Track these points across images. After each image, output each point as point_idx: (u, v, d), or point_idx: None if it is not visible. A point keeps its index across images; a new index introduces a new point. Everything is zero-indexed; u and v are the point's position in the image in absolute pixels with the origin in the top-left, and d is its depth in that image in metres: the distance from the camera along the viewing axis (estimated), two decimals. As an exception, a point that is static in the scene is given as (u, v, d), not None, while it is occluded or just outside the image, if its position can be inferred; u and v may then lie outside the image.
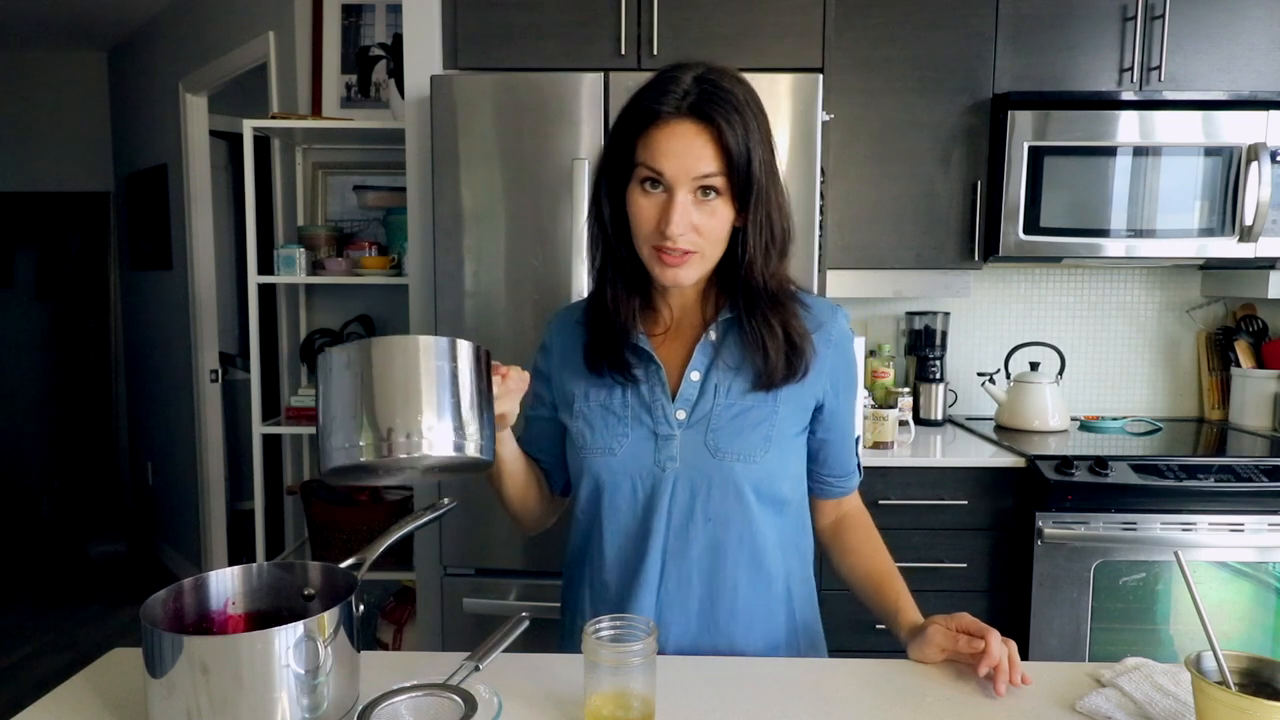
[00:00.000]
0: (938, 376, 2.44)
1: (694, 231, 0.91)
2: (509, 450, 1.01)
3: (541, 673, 0.90)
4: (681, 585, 0.98)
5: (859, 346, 2.11)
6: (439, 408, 0.75)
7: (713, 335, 1.00)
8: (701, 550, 0.98)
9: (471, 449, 0.77)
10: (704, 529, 0.97)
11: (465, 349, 0.78)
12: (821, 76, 1.81)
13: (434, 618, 1.99)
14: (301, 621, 0.73)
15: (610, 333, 1.00)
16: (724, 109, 0.88)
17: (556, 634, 1.13)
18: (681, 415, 0.98)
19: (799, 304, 1.00)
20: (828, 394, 1.02)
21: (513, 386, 0.90)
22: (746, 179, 0.90)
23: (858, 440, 1.10)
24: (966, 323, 2.63)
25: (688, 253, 0.92)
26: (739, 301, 0.97)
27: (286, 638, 0.72)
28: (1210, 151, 2.13)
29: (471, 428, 0.77)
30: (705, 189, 0.90)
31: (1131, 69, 2.17)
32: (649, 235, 0.92)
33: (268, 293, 2.47)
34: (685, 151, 0.88)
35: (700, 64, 0.92)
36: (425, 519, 1.01)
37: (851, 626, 2.08)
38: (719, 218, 0.91)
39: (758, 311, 0.96)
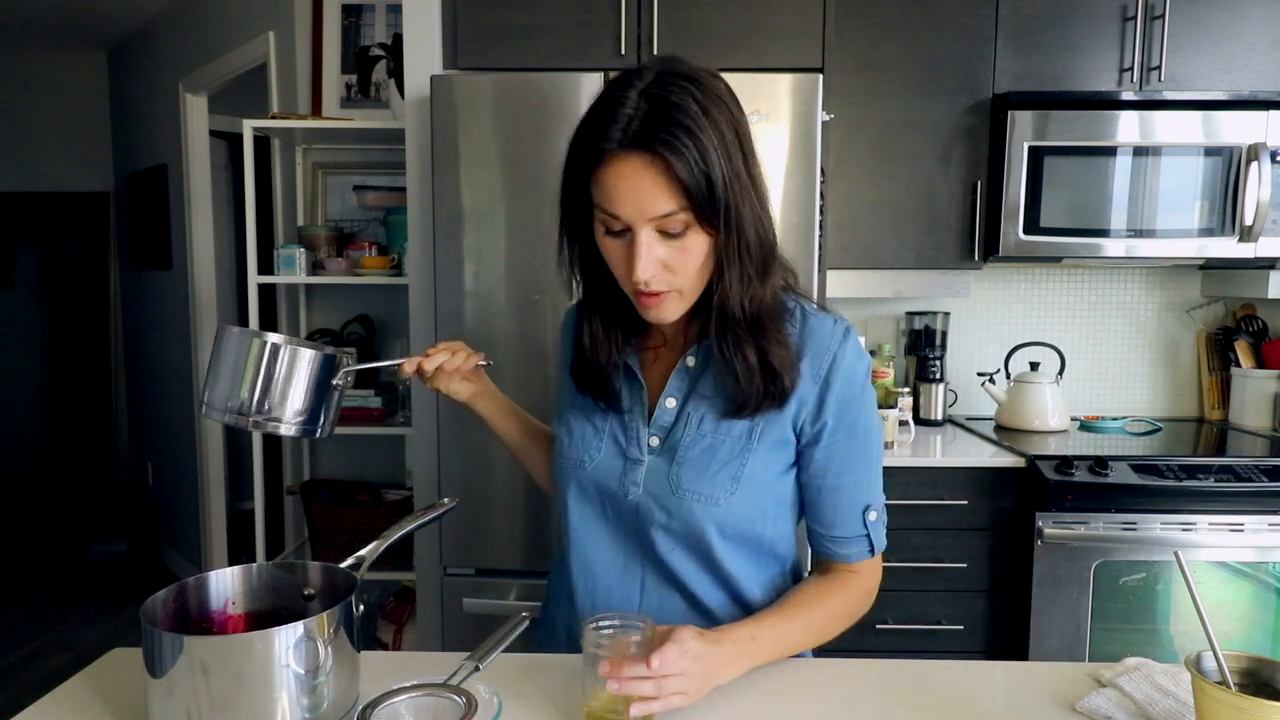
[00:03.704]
0: (938, 376, 2.44)
1: (666, 270, 0.83)
2: (496, 421, 1.11)
3: (541, 673, 0.90)
4: (663, 618, 0.93)
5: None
6: (296, 401, 0.94)
7: (690, 361, 0.94)
8: (674, 581, 0.95)
9: (319, 432, 0.98)
10: (670, 559, 0.94)
11: (322, 359, 0.95)
12: (821, 76, 1.81)
13: (434, 618, 1.99)
14: (301, 621, 0.73)
15: (595, 365, 0.96)
16: (671, 133, 0.77)
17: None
18: (654, 441, 0.94)
19: (791, 323, 0.92)
20: (805, 432, 0.92)
21: (428, 367, 1.00)
22: (711, 204, 0.79)
23: (869, 510, 0.95)
24: (966, 323, 2.62)
25: (664, 292, 0.85)
26: (711, 328, 0.88)
27: (286, 638, 0.72)
28: (1210, 151, 2.13)
29: (317, 416, 0.97)
30: (669, 231, 0.81)
31: (1131, 69, 2.17)
32: (623, 280, 0.86)
33: (268, 293, 2.47)
34: (636, 192, 0.79)
35: (655, 63, 0.83)
36: (425, 519, 1.01)
37: (852, 627, 2.08)
38: (691, 251, 0.82)
39: (730, 337, 0.87)
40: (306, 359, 0.93)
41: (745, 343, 0.87)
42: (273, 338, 0.93)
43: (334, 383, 0.96)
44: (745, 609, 0.96)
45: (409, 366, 1.00)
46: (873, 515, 0.95)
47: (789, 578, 1.01)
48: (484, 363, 1.06)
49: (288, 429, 0.94)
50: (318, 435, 0.97)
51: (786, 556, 1.00)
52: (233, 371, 0.92)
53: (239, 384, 0.92)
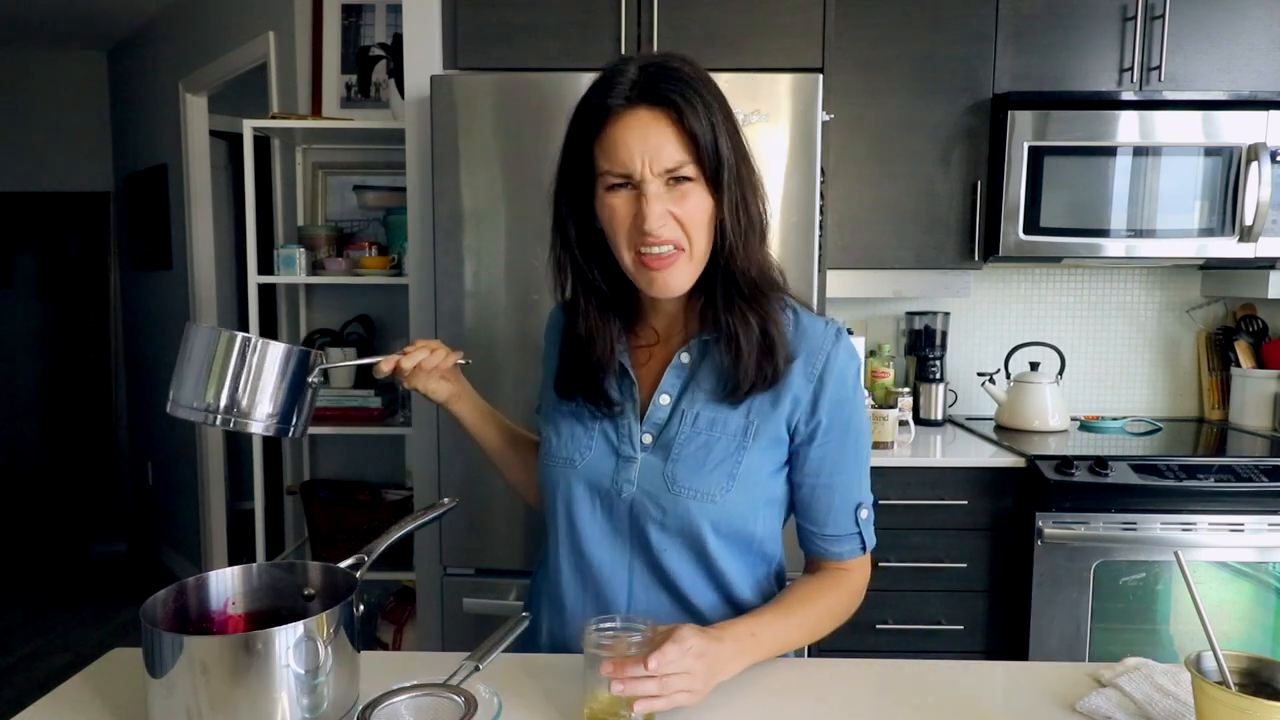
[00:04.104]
0: (938, 376, 2.44)
1: (674, 221, 0.84)
2: (473, 423, 1.09)
3: (541, 673, 0.90)
4: (650, 615, 0.92)
5: (857, 348, 2.11)
6: (266, 398, 0.91)
7: (685, 358, 0.94)
8: (665, 580, 0.95)
9: (292, 432, 0.95)
10: (664, 558, 0.94)
11: (295, 356, 0.92)
12: (821, 76, 1.81)
13: (434, 618, 1.99)
14: (301, 621, 0.73)
15: (586, 364, 0.95)
16: (677, 87, 0.82)
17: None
18: (648, 439, 0.94)
19: (788, 309, 0.94)
20: (799, 431, 0.93)
21: (406, 365, 0.98)
22: (716, 159, 0.83)
23: (861, 508, 0.97)
24: (966, 323, 2.62)
25: (675, 250, 0.86)
26: (716, 295, 0.89)
27: (286, 638, 0.72)
28: (1210, 151, 2.13)
29: (289, 415, 0.94)
30: (677, 179, 0.84)
31: (1131, 69, 2.17)
32: (628, 239, 0.86)
33: (268, 293, 2.47)
34: (645, 141, 0.82)
35: (643, 55, 0.87)
36: (425, 519, 1.01)
37: (851, 627, 2.08)
38: (695, 201, 0.85)
39: (735, 305, 0.89)
40: (278, 354, 0.91)
41: (749, 311, 0.89)
42: (242, 333, 0.90)
43: (309, 380, 0.94)
44: (735, 609, 0.96)
45: (387, 365, 0.99)
46: (864, 513, 0.97)
47: (774, 580, 1.02)
48: (462, 361, 1.05)
49: (258, 427, 0.91)
50: (290, 434, 0.95)
51: (773, 557, 1.01)
52: (200, 366, 0.89)
53: (206, 379, 0.89)
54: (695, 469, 0.91)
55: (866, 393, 2.29)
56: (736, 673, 0.85)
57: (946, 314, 2.53)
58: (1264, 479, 1.92)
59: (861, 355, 2.20)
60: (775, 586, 1.02)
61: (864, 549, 0.98)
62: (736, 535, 0.94)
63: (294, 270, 2.35)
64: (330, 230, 2.49)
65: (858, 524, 0.97)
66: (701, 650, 0.80)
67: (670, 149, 0.82)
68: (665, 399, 0.94)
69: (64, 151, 4.15)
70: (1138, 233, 2.16)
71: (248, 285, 2.35)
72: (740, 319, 0.89)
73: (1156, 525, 1.93)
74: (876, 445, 2.10)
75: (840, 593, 0.97)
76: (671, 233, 0.85)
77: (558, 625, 1.00)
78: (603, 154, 0.85)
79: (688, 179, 0.84)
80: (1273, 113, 2.11)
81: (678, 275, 0.87)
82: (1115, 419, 2.46)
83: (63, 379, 4.40)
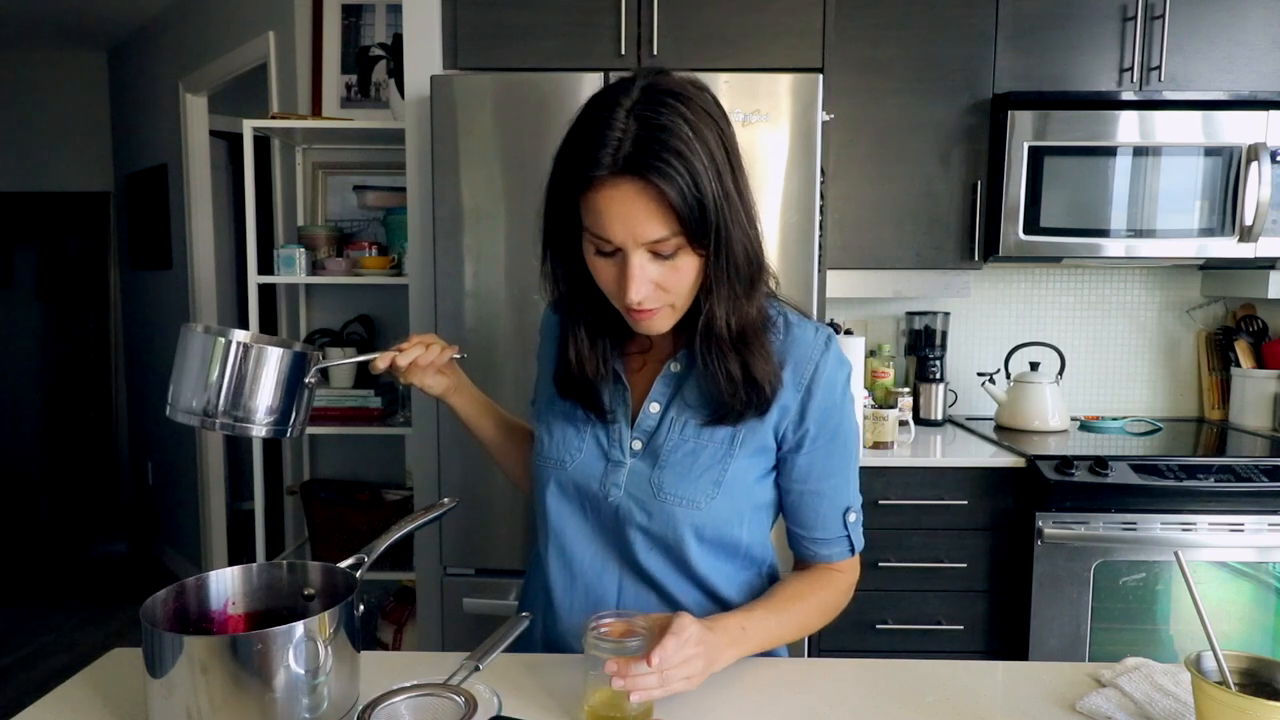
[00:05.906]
0: (938, 376, 2.44)
1: (658, 289, 0.84)
2: (470, 416, 1.09)
3: (541, 672, 0.90)
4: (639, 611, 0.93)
5: (857, 348, 2.11)
6: (265, 401, 0.91)
7: (674, 367, 0.95)
8: (650, 581, 0.95)
9: (290, 432, 0.96)
10: (646, 560, 0.94)
11: (291, 358, 0.93)
12: (821, 76, 1.81)
13: (434, 618, 1.99)
14: (301, 621, 0.73)
15: (581, 377, 0.96)
16: (663, 158, 0.76)
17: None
18: (637, 445, 0.94)
19: (774, 331, 0.92)
20: (787, 439, 0.94)
21: (401, 363, 0.98)
22: (702, 227, 0.79)
23: (849, 511, 0.98)
24: (966, 323, 2.63)
25: (657, 308, 0.86)
26: (695, 343, 0.89)
27: (286, 638, 0.72)
28: (1210, 151, 2.13)
29: (287, 416, 0.94)
30: (661, 254, 0.81)
31: (1131, 69, 2.17)
32: (613, 297, 0.86)
33: (268, 293, 2.47)
34: (629, 216, 0.79)
35: (641, 77, 0.81)
36: (425, 519, 1.01)
37: (852, 627, 2.08)
38: (683, 270, 0.83)
39: (714, 350, 0.88)
40: (275, 358, 0.91)
41: (729, 356, 0.88)
42: (239, 336, 0.90)
43: (305, 381, 0.94)
44: (722, 609, 0.96)
45: (382, 362, 0.99)
46: (852, 516, 0.98)
47: (765, 580, 1.02)
48: (458, 356, 1.05)
49: (257, 430, 0.91)
50: (288, 435, 0.95)
51: (763, 559, 1.01)
52: (198, 372, 0.89)
53: (205, 385, 0.89)
54: (682, 475, 0.92)
55: (867, 393, 2.29)
56: (729, 664, 0.85)
57: (946, 314, 2.53)
58: (1264, 479, 1.92)
59: (861, 355, 2.20)
60: (766, 587, 1.02)
61: (852, 551, 0.99)
62: (720, 540, 0.94)
63: (294, 270, 2.35)
64: (330, 230, 2.49)
65: (846, 527, 0.98)
66: (699, 638, 0.81)
67: (654, 224, 0.79)
68: (655, 406, 0.95)
69: (64, 151, 4.15)
70: (1138, 233, 2.16)
71: (248, 285, 2.35)
72: (718, 362, 0.88)
73: (1156, 525, 1.93)
74: (877, 445, 2.10)
75: (830, 590, 0.98)
76: (655, 301, 0.85)
77: (550, 620, 1.01)
78: (587, 214, 0.82)
79: (675, 246, 0.81)
80: (1273, 113, 2.11)
81: (662, 321, 0.88)
82: (1115, 419, 2.47)
83: (63, 379, 4.40)
